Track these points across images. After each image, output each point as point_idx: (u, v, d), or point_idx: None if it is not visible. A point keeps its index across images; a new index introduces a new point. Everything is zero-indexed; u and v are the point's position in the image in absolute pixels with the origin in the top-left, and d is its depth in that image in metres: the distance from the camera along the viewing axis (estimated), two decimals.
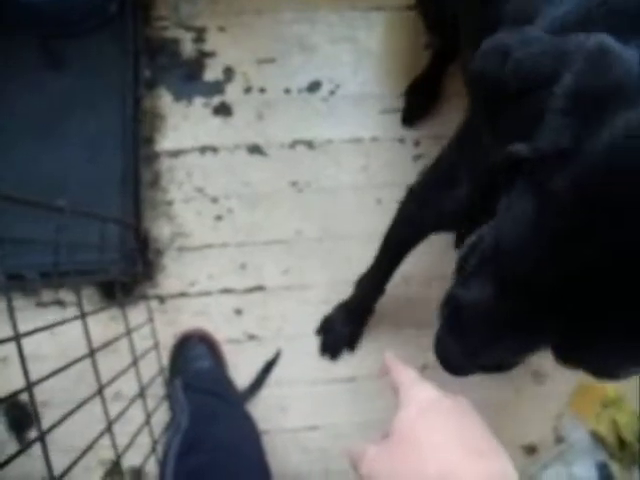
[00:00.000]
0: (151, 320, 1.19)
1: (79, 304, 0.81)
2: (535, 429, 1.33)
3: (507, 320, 0.44)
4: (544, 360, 1.37)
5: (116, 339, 0.96)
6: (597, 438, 1.33)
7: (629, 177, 0.33)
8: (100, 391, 0.79)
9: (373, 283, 1.15)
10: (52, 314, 1.22)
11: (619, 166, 0.34)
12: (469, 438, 0.45)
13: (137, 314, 1.21)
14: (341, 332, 1.25)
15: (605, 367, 0.42)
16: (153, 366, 1.16)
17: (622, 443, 1.30)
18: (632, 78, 0.36)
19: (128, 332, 1.00)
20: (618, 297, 0.36)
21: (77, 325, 0.80)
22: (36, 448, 0.62)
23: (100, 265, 1.06)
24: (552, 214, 0.38)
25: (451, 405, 0.49)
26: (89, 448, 0.72)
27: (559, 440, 1.33)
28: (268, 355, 1.26)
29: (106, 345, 0.88)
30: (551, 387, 1.33)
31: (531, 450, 1.32)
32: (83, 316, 0.80)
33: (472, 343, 0.49)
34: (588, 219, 0.35)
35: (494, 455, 0.44)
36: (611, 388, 1.31)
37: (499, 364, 0.52)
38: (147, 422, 0.96)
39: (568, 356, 0.43)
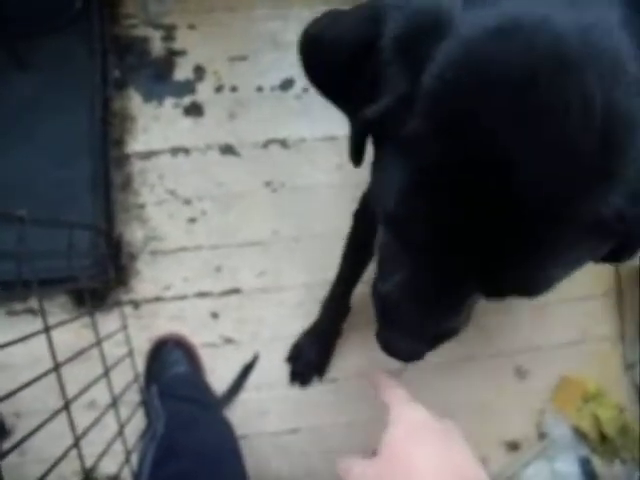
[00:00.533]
0: (125, 327, 1.17)
1: (43, 317, 0.78)
2: (517, 425, 1.33)
3: (427, 284, 0.46)
4: (526, 356, 1.37)
5: (85, 350, 0.93)
6: (579, 433, 1.33)
7: (467, 98, 0.36)
8: (66, 405, 0.77)
9: (338, 298, 1.14)
10: (24, 323, 1.19)
11: (452, 92, 0.36)
12: (456, 464, 0.45)
13: (111, 320, 1.19)
14: (309, 359, 1.24)
15: (526, 283, 0.42)
16: (129, 373, 1.13)
17: (604, 438, 1.30)
18: (443, 10, 0.38)
19: (98, 342, 0.97)
20: (510, 214, 0.37)
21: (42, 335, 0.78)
22: (10, 458, 0.61)
23: (69, 273, 1.03)
24: (419, 159, 0.39)
25: (440, 428, 0.49)
26: (60, 460, 0.70)
27: (542, 436, 1.33)
28: (246, 359, 1.24)
29: (76, 356, 0.86)
30: (533, 383, 1.33)
31: (514, 446, 1.32)
32: (47, 330, 0.78)
33: (409, 323, 0.51)
34: (450, 149, 0.37)
35: None
36: (592, 383, 1.31)
37: (445, 331, 0.53)
38: (120, 432, 0.94)
39: (495, 288, 0.43)
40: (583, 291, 1.36)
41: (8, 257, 0.81)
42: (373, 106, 0.41)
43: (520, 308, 1.33)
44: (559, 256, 0.40)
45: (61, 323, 0.85)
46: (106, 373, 0.96)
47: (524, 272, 0.41)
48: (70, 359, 0.83)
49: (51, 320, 0.78)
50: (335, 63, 0.46)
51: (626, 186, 0.37)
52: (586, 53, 0.35)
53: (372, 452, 0.49)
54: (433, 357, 1.26)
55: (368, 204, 0.84)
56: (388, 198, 0.43)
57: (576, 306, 1.35)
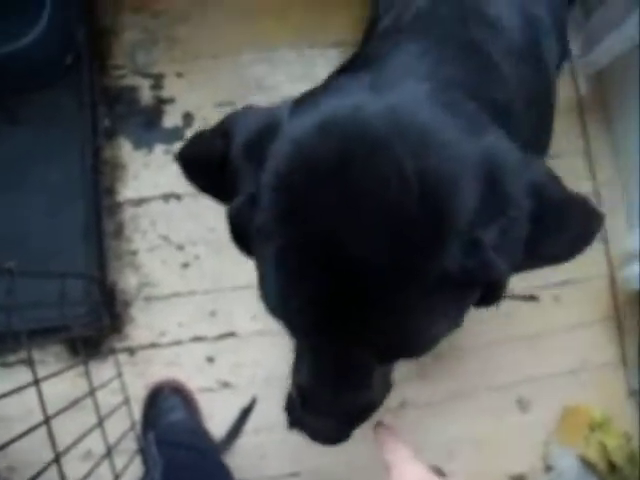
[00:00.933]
0: (120, 375, 1.16)
1: (32, 369, 0.79)
2: (523, 459, 1.31)
3: (326, 364, 0.49)
4: (526, 387, 1.36)
5: (79, 400, 0.93)
6: (587, 464, 1.30)
7: (297, 187, 0.41)
8: (57, 458, 0.76)
9: None
10: (18, 374, 1.18)
11: (284, 183, 0.42)
12: None
13: (107, 368, 1.19)
14: None
15: (405, 343, 0.45)
16: (125, 421, 1.12)
17: (612, 467, 1.27)
18: (274, 119, 0.46)
19: (92, 391, 0.97)
20: (358, 285, 0.41)
21: (45, 383, 0.78)
22: None
23: (61, 322, 1.04)
24: (271, 246, 0.44)
25: None
26: None
27: (548, 469, 1.31)
28: (243, 402, 1.23)
29: (70, 406, 0.86)
30: (536, 414, 1.32)
31: None
32: (37, 382, 0.78)
33: (325, 405, 0.54)
34: (292, 233, 0.42)
35: None
36: (597, 411, 1.29)
37: (363, 405, 0.56)
38: None
39: (378, 353, 0.46)
40: (581, 317, 1.35)
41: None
42: (231, 205, 0.48)
43: (517, 338, 1.32)
44: (422, 313, 0.43)
45: (52, 375, 0.85)
46: (100, 423, 0.95)
47: (396, 335, 0.44)
48: (63, 410, 0.83)
49: (45, 370, 0.79)
50: (203, 174, 0.54)
51: (460, 239, 0.40)
52: (393, 132, 0.40)
53: None
54: (431, 396, 1.26)
55: None
56: (266, 292, 0.48)
57: (575, 333, 1.34)
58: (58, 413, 0.80)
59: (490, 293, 0.46)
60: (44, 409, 0.77)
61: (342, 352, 0.47)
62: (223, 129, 0.51)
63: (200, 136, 0.55)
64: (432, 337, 0.46)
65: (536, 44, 0.66)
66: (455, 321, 0.46)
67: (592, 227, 0.50)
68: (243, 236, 0.49)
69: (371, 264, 0.40)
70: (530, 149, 0.46)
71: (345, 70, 0.59)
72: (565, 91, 1.39)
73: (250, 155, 0.47)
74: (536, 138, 0.68)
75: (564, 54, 0.79)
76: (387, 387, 0.58)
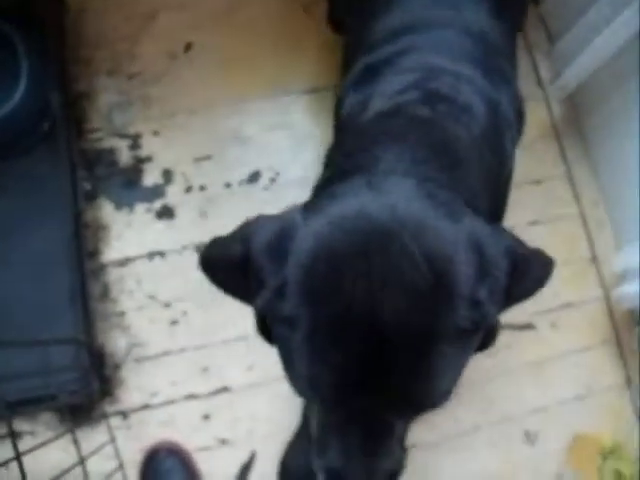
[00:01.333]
0: (113, 440, 1.13)
1: (13, 443, 0.77)
2: None
3: (356, 432, 0.54)
4: (533, 418, 1.32)
5: (67, 470, 0.90)
6: None
7: (321, 274, 0.49)
8: None
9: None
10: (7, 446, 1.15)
11: (309, 273, 0.50)
12: None
13: (100, 433, 1.17)
14: (297, 474, 1.18)
15: (427, 395, 0.52)
16: None
17: None
18: (289, 223, 0.54)
19: (81, 460, 0.95)
20: (385, 349, 0.48)
21: (35, 455, 0.77)
22: None
23: (47, 391, 1.02)
24: (301, 331, 0.50)
25: None
26: None
27: None
28: (243, 458, 1.20)
29: (61, 475, 0.84)
30: (545, 446, 1.28)
31: None
32: (18, 457, 0.76)
33: (357, 474, 0.57)
34: (319, 315, 0.49)
35: None
36: (607, 437, 1.26)
37: (391, 471, 0.59)
38: None
39: (403, 409, 0.54)
40: (580, 342, 1.33)
41: None
42: (258, 299, 0.54)
43: (519, 370, 1.29)
44: (442, 368, 0.50)
45: (35, 448, 0.83)
46: None
47: (421, 391, 0.51)
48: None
49: (34, 441, 0.76)
50: (226, 275, 0.60)
51: (464, 298, 0.49)
52: (396, 222, 0.49)
53: None
54: (437, 436, 1.23)
55: None
56: (295, 376, 0.54)
57: (576, 358, 1.32)
58: None
59: (487, 337, 0.55)
60: None
61: (371, 417, 0.53)
62: (241, 235, 0.58)
63: (218, 241, 0.62)
64: (449, 387, 0.54)
65: (497, 127, 0.78)
66: (462, 371, 0.55)
67: (548, 270, 0.62)
68: (266, 327, 0.57)
69: (396, 333, 0.47)
70: (491, 218, 0.63)
71: (330, 179, 0.70)
72: (540, 118, 1.40)
73: (271, 254, 0.53)
74: (495, 208, 0.83)
75: (521, 127, 0.90)
76: (404, 452, 0.63)
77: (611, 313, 1.34)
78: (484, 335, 0.54)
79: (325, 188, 0.62)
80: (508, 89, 0.83)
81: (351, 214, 0.51)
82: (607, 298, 1.34)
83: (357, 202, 0.52)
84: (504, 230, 0.59)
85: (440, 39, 0.82)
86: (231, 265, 0.58)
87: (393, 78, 0.79)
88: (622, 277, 1.30)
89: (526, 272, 0.57)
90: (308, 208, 0.55)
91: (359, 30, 0.95)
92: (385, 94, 0.78)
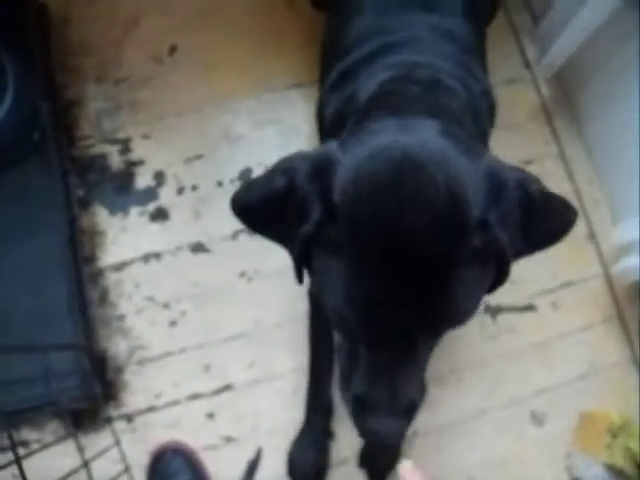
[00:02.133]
0: (118, 443, 1.14)
1: (12, 448, 0.77)
2: (546, 475, 1.27)
3: (384, 352, 0.59)
4: (539, 399, 1.31)
5: (70, 473, 0.91)
6: (614, 471, 1.25)
7: (366, 202, 0.54)
8: None
9: (320, 395, 1.18)
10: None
11: (355, 201, 0.55)
12: None
13: (106, 437, 1.18)
14: (305, 470, 1.19)
15: (449, 312, 0.57)
16: None
17: None
18: (330, 155, 0.58)
19: (85, 464, 0.95)
20: (415, 268, 0.53)
21: (42, 461, 0.80)
22: None
23: (49, 398, 1.02)
24: (344, 253, 0.56)
25: None
26: None
27: None
28: (249, 455, 1.20)
29: None
30: (553, 426, 1.28)
31: None
32: (17, 460, 0.76)
33: (384, 400, 0.61)
34: (367, 234, 0.54)
35: None
36: (615, 414, 1.25)
37: (414, 400, 0.63)
38: None
39: (428, 324, 0.58)
40: (583, 320, 1.32)
41: None
42: (305, 226, 0.57)
43: (522, 352, 1.29)
44: (463, 285, 0.55)
45: (30, 453, 0.83)
46: None
47: (446, 306, 0.56)
48: None
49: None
50: (265, 213, 0.64)
51: (475, 219, 0.54)
52: (426, 156, 0.55)
53: None
54: (442, 422, 1.23)
55: None
56: (333, 297, 0.58)
57: (579, 337, 1.31)
58: None
59: (500, 271, 0.59)
60: None
61: (399, 335, 0.57)
62: (282, 169, 0.62)
63: (254, 182, 0.65)
64: (469, 306, 0.59)
65: (472, 98, 0.85)
66: (481, 295, 0.59)
67: (569, 217, 0.65)
68: (304, 257, 0.61)
69: (425, 251, 0.53)
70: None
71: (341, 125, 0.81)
72: (529, 100, 1.40)
73: (314, 184, 0.58)
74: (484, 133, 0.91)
75: (492, 120, 0.96)
76: (424, 387, 0.66)
77: (612, 289, 1.33)
78: (497, 267, 0.58)
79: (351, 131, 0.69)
80: (478, 84, 0.89)
81: (387, 147, 0.56)
82: (607, 275, 1.34)
83: (392, 137, 0.58)
84: (523, 170, 0.63)
85: (412, 39, 0.89)
86: (272, 199, 0.62)
87: (374, 72, 0.85)
88: (621, 251, 1.29)
89: (544, 212, 0.61)
90: (344, 143, 0.60)
91: (334, 31, 1.03)
92: (370, 86, 0.82)
